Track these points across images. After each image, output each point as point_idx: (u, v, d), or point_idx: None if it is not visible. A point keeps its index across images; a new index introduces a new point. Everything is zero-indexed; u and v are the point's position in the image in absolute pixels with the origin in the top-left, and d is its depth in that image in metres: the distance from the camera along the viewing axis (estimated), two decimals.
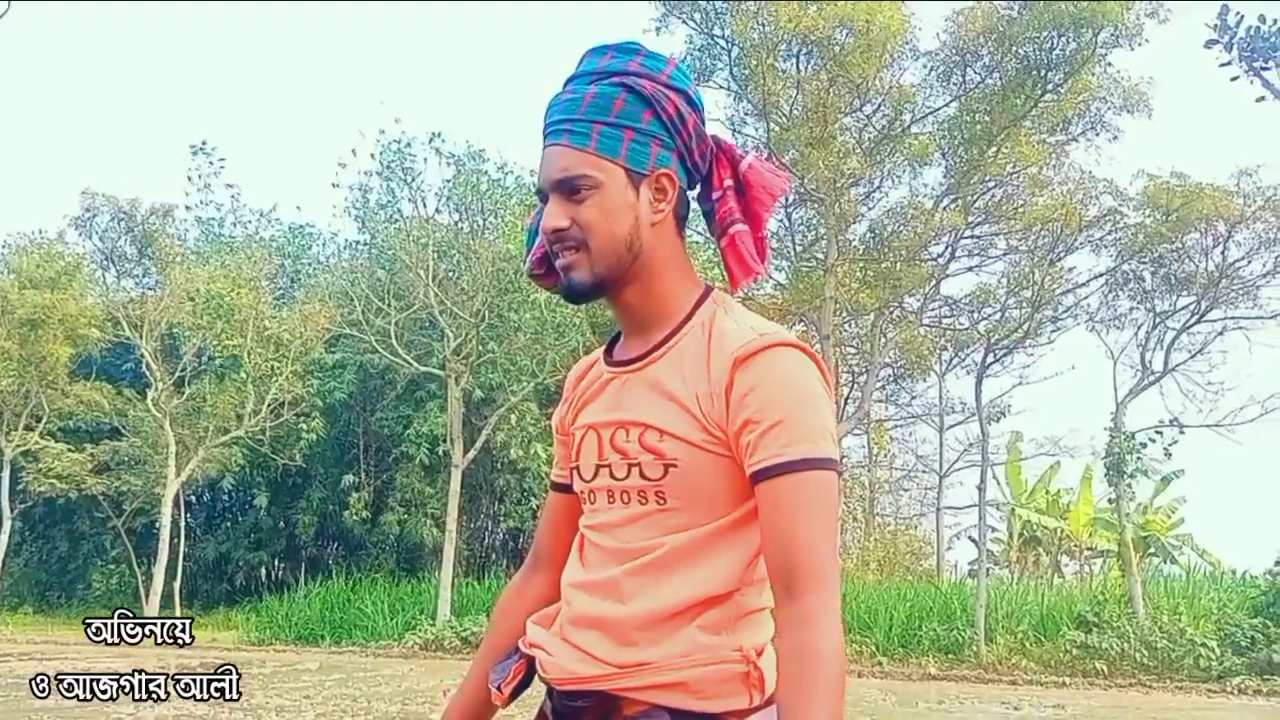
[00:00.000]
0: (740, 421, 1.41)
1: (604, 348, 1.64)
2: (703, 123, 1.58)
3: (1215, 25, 10.58)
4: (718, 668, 1.43)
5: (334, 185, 27.26)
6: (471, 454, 19.89)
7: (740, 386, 1.42)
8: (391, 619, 19.33)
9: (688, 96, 1.55)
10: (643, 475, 1.47)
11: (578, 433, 1.60)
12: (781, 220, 20.62)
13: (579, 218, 1.48)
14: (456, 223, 20.92)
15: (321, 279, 24.63)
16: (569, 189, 1.49)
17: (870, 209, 20.16)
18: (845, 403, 22.82)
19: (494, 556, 24.75)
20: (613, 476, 1.51)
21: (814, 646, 1.32)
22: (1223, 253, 16.95)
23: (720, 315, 1.51)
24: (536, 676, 1.57)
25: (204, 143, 27.73)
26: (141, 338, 21.08)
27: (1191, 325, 17.48)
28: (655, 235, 1.52)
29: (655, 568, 1.46)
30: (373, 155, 21.03)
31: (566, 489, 1.69)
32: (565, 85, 1.56)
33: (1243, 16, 10.43)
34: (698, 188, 1.61)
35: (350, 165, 27.29)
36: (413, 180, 21.22)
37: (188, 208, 26.68)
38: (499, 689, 1.60)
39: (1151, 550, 25.64)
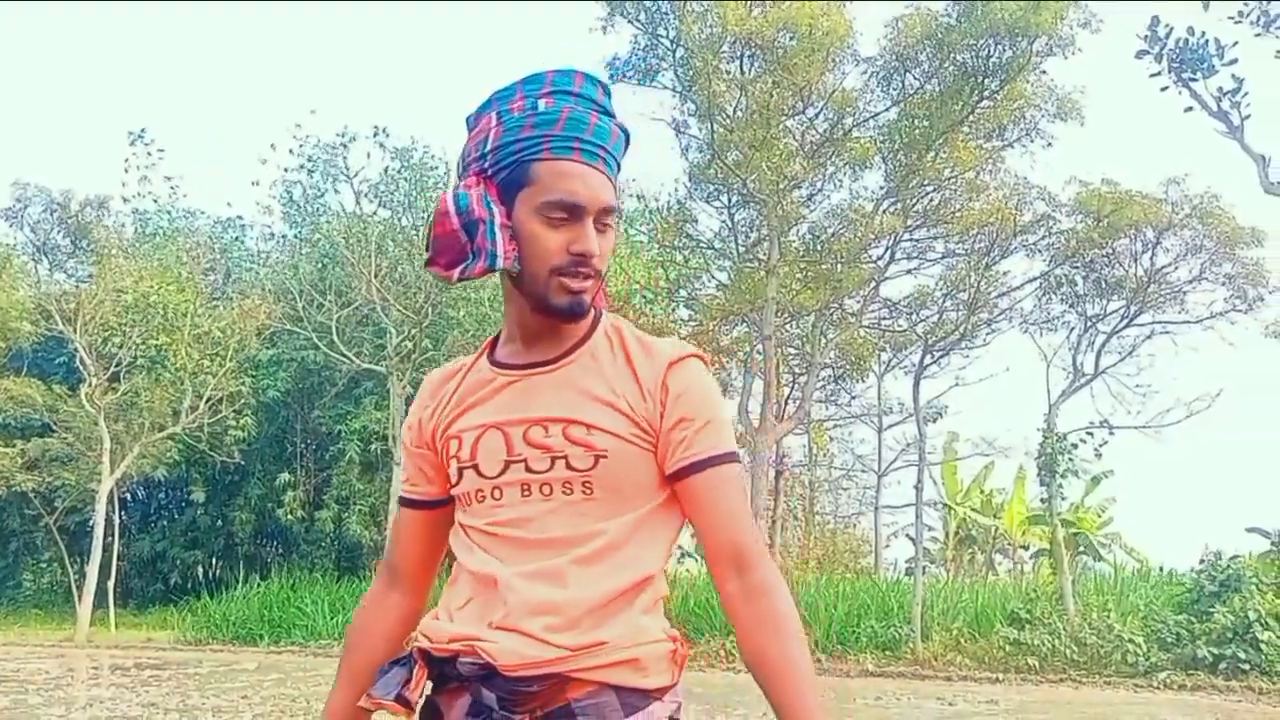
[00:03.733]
0: (675, 419, 1.57)
1: (483, 354, 1.70)
2: None
3: (1146, 36, 10.90)
4: (657, 645, 1.55)
5: (253, 184, 26.99)
6: None
7: (675, 388, 1.57)
8: (331, 618, 19.16)
9: None
10: (569, 466, 1.55)
11: (467, 435, 1.63)
12: (724, 221, 20.77)
13: (602, 249, 1.57)
14: (398, 218, 20.84)
15: (260, 273, 24.36)
16: (604, 219, 1.57)
17: (811, 211, 20.35)
18: (785, 403, 23.02)
19: None
20: (529, 470, 1.57)
21: (782, 612, 1.52)
22: (1151, 258, 17.35)
23: (625, 328, 1.66)
24: (461, 670, 1.55)
25: (143, 131, 27.28)
26: (75, 332, 20.67)
27: (1121, 329, 17.85)
28: None
29: (598, 555, 1.54)
30: (291, 151, 20.92)
31: (423, 505, 1.74)
32: (565, 99, 1.58)
33: (1172, 28, 10.76)
34: None
35: (275, 161, 27.03)
36: (354, 175, 21.11)
37: (125, 199, 26.24)
38: (401, 700, 1.58)
39: (1082, 549, 26.21)
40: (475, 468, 1.61)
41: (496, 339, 1.71)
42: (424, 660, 1.59)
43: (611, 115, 1.61)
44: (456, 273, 1.61)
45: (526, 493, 1.57)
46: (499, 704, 1.51)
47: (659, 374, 1.58)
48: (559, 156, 1.54)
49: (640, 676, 1.53)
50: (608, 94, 1.63)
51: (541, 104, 1.57)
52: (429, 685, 1.61)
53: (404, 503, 1.78)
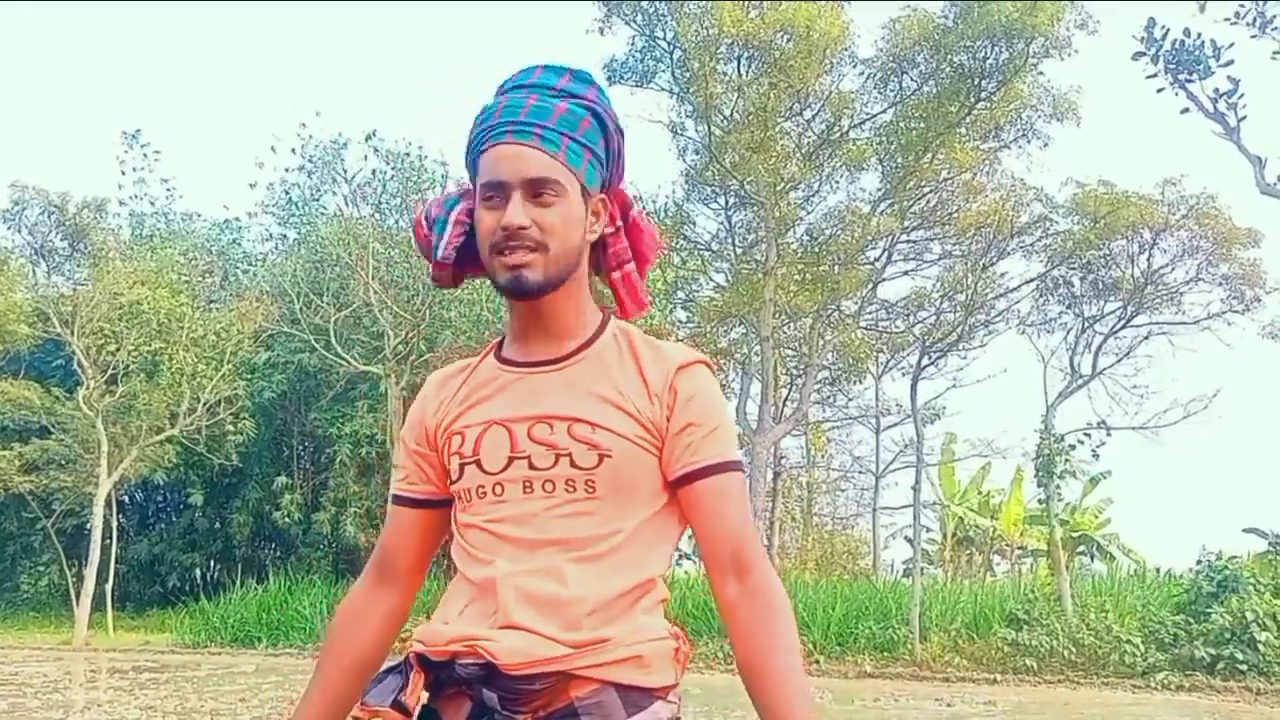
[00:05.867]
0: (683, 423, 1.57)
1: (489, 353, 1.69)
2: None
3: (1142, 38, 10.92)
4: (661, 643, 1.55)
5: (250, 186, 26.94)
6: None
7: (684, 393, 1.58)
8: (329, 620, 19.12)
9: (623, 136, 1.69)
10: (574, 464, 1.54)
11: (470, 430, 1.61)
12: (721, 223, 20.80)
13: (542, 220, 1.55)
14: (390, 219, 20.88)
15: (257, 275, 24.35)
16: (538, 190, 1.55)
17: (809, 213, 20.39)
18: (783, 404, 23.03)
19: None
20: (532, 467, 1.55)
21: (781, 609, 1.53)
22: (1148, 259, 17.37)
23: (635, 332, 1.66)
24: (460, 672, 1.52)
25: (137, 132, 27.20)
26: (73, 335, 20.64)
27: (1118, 330, 17.89)
28: (585, 252, 1.65)
29: (600, 556, 1.53)
30: (293, 150, 20.92)
31: (418, 504, 1.72)
32: (517, 91, 1.61)
33: (1169, 30, 10.78)
34: None
35: (273, 163, 26.94)
36: (350, 178, 21.14)
37: (122, 201, 26.20)
38: (398, 706, 1.53)
39: (1080, 549, 26.21)
40: (477, 463, 1.59)
41: (504, 339, 1.71)
42: (420, 665, 1.56)
43: (571, 95, 1.61)
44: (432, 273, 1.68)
45: (528, 489, 1.55)
46: (501, 704, 1.49)
47: (667, 377, 1.58)
48: (494, 143, 1.58)
49: (643, 674, 1.52)
50: (578, 80, 1.64)
51: (492, 102, 1.62)
52: (424, 694, 1.58)
53: (398, 500, 1.75)
